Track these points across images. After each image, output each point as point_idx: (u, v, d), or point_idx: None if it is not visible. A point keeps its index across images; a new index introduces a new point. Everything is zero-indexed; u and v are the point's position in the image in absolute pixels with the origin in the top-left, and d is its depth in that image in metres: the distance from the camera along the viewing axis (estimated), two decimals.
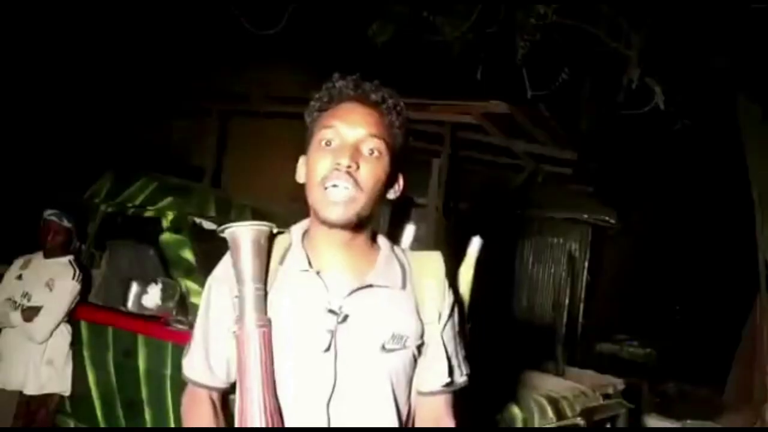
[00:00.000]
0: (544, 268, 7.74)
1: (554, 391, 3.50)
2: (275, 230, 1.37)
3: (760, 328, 5.42)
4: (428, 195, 5.55)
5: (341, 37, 5.31)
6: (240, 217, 3.85)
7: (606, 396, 3.94)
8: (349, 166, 1.25)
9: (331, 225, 1.28)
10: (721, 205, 8.78)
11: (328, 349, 1.26)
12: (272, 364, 1.25)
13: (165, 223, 3.44)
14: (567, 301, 7.20)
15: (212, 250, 3.27)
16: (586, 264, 7.75)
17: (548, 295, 7.56)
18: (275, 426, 1.22)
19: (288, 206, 5.19)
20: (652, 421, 5.60)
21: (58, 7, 5.73)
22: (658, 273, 9.86)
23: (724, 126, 5.76)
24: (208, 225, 3.52)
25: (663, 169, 8.92)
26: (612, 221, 7.39)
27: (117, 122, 6.97)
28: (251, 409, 1.22)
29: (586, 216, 7.38)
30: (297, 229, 1.39)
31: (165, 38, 6.27)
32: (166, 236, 3.41)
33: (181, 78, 6.69)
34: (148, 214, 3.65)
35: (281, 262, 1.34)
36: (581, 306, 7.67)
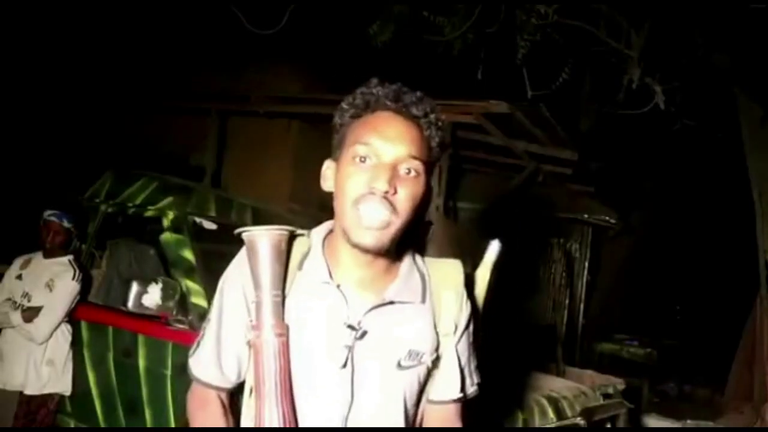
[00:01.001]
0: (544, 268, 7.73)
1: (554, 391, 3.50)
2: (295, 233, 1.33)
3: (761, 328, 5.42)
4: None
5: (341, 36, 5.31)
6: (240, 217, 3.85)
7: (606, 396, 3.95)
8: (386, 192, 1.18)
9: (364, 250, 1.23)
10: (722, 205, 8.78)
11: (345, 365, 1.24)
12: (290, 373, 1.23)
13: (165, 223, 3.44)
14: (567, 301, 7.21)
15: (213, 249, 3.29)
16: (587, 264, 7.75)
17: (548, 295, 7.55)
18: None
19: (288, 206, 5.21)
20: (652, 421, 5.60)
21: (58, 6, 5.73)
22: (659, 273, 9.86)
23: (725, 126, 5.76)
24: (208, 225, 3.53)
25: (663, 169, 8.92)
26: (612, 221, 7.39)
27: (117, 122, 6.97)
28: (269, 419, 1.20)
29: (586, 216, 7.38)
30: (318, 233, 1.35)
31: (165, 38, 6.27)
32: (166, 236, 3.42)
33: (181, 78, 6.69)
34: (148, 213, 3.65)
35: (300, 267, 1.30)
36: (581, 306, 7.67)
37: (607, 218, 7.35)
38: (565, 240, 7.65)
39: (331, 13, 5.39)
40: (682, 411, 6.01)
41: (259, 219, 3.81)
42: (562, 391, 3.56)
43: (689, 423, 5.48)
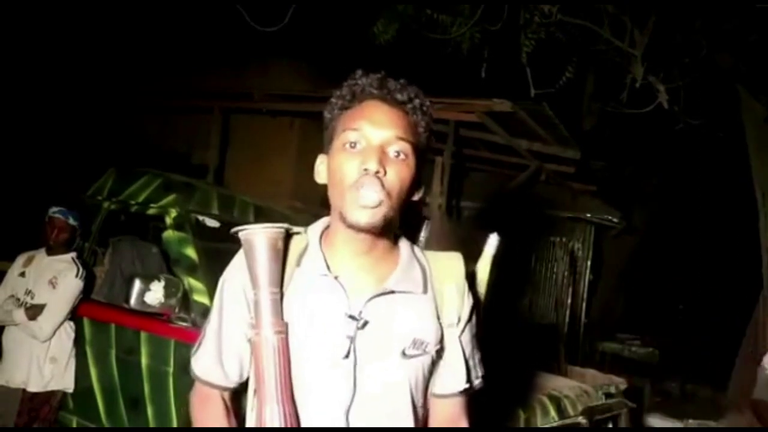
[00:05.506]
0: (546, 267, 7.72)
1: (556, 390, 3.50)
2: (291, 231, 1.34)
3: (763, 328, 5.41)
4: (431, 193, 5.55)
5: (345, 34, 5.30)
6: (243, 215, 3.85)
7: (608, 395, 3.94)
8: (377, 171, 1.22)
9: (359, 229, 1.25)
10: (725, 204, 8.77)
11: (347, 356, 1.24)
12: (290, 370, 1.23)
13: (168, 221, 3.44)
14: (569, 300, 7.20)
15: (215, 247, 3.30)
16: (589, 263, 7.74)
17: (551, 294, 7.54)
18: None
19: (290, 203, 5.21)
20: (654, 420, 5.60)
21: (61, 5, 5.73)
22: (661, 272, 9.85)
23: (728, 125, 5.75)
24: (211, 222, 3.53)
25: (666, 168, 8.91)
26: (615, 220, 7.38)
27: (120, 120, 6.98)
28: (270, 417, 1.20)
29: (589, 215, 7.37)
30: (314, 229, 1.36)
31: (168, 35, 6.28)
32: (168, 233, 3.42)
33: (184, 75, 6.69)
34: (150, 211, 3.66)
35: (298, 263, 1.31)
36: (584, 305, 7.66)
37: (609, 217, 7.34)
38: (567, 239, 7.64)
39: (334, 10, 5.40)
40: (684, 410, 6.00)
41: (262, 217, 3.81)
42: (564, 390, 3.56)
43: (691, 423, 5.47)
